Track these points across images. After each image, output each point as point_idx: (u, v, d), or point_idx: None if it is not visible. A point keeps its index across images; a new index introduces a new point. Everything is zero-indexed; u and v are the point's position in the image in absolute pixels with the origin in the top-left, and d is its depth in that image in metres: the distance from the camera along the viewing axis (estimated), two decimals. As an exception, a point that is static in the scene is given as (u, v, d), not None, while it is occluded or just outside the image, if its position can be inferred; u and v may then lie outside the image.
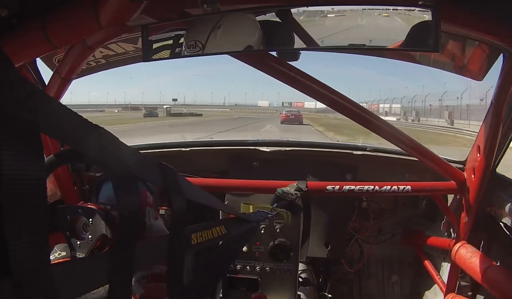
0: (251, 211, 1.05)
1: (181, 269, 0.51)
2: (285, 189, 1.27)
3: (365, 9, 0.95)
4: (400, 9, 0.94)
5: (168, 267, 0.50)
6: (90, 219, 0.75)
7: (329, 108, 1.34)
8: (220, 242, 0.65)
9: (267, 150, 1.81)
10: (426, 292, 1.87)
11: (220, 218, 1.19)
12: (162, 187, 0.50)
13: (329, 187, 1.54)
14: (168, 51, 1.07)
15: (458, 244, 1.53)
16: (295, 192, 1.27)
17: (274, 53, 1.17)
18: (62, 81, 1.30)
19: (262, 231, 1.27)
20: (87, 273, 0.38)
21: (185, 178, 0.55)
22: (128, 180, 0.42)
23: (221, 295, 1.25)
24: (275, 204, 1.15)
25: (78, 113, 0.38)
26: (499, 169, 1.49)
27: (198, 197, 0.59)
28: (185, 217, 0.51)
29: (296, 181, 1.40)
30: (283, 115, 22.39)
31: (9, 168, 0.28)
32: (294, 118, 21.48)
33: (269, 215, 1.01)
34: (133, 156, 0.44)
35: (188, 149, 1.84)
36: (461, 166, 1.59)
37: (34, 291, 0.30)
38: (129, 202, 0.41)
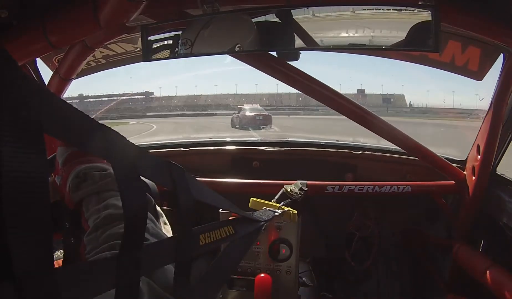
0: (260, 207, 1.05)
1: (188, 271, 0.50)
2: (292, 187, 1.27)
3: (365, 9, 0.95)
4: (400, 9, 0.94)
5: (176, 269, 0.50)
6: None
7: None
8: (226, 243, 0.63)
9: (267, 149, 1.81)
10: (426, 292, 1.87)
11: (220, 218, 1.19)
12: (170, 187, 0.49)
13: (329, 187, 1.54)
14: (168, 51, 1.07)
15: (458, 244, 1.53)
16: (300, 191, 1.26)
17: (274, 53, 1.17)
18: (62, 81, 1.30)
19: (263, 231, 1.26)
20: (92, 277, 0.37)
21: (194, 178, 0.54)
22: (134, 179, 0.41)
23: (221, 296, 1.25)
24: (282, 203, 1.15)
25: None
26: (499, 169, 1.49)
27: (206, 197, 0.58)
28: (192, 217, 0.51)
29: (297, 181, 1.40)
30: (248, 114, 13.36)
31: (12, 169, 0.27)
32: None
33: (276, 214, 1.00)
34: (140, 155, 0.44)
35: (188, 149, 1.84)
36: (461, 165, 1.59)
37: (38, 295, 0.29)
38: (135, 202, 0.40)
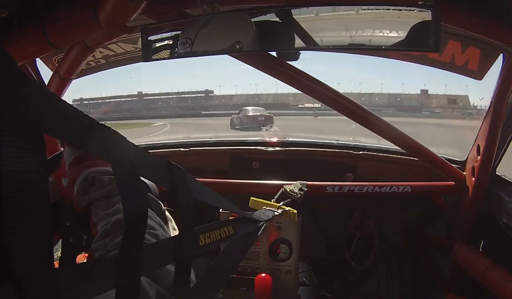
0: (260, 206, 1.05)
1: (188, 272, 0.50)
2: (291, 187, 1.27)
3: (365, 9, 0.95)
4: (400, 9, 0.94)
5: (176, 270, 0.49)
6: None
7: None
8: (226, 243, 0.64)
9: (267, 150, 1.81)
10: (426, 292, 1.87)
11: (220, 218, 1.19)
12: (170, 187, 0.49)
13: (329, 187, 1.54)
14: (168, 51, 1.07)
15: (458, 244, 1.53)
16: (299, 191, 1.26)
17: (273, 53, 1.17)
18: (62, 81, 1.30)
19: (263, 231, 1.26)
20: (92, 278, 0.37)
21: (193, 178, 0.54)
22: (134, 179, 0.41)
23: (221, 296, 1.25)
24: (282, 202, 1.15)
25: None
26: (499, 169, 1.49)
27: (207, 197, 0.58)
28: (192, 217, 0.51)
29: (297, 181, 1.40)
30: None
31: (12, 169, 0.27)
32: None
33: (276, 213, 1.00)
34: (139, 155, 0.44)
35: (188, 149, 1.84)
36: (460, 166, 1.59)
37: (38, 295, 0.29)
38: (135, 202, 0.40)
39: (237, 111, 14.64)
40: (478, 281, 1.33)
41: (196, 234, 0.53)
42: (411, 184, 1.56)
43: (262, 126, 13.23)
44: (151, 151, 1.82)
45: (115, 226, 0.57)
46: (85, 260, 0.77)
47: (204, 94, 22.58)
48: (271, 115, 14.63)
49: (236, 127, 13.48)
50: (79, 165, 0.68)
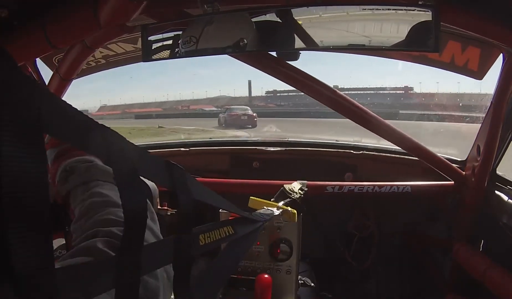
0: (260, 206, 1.05)
1: (189, 271, 0.50)
2: (291, 187, 1.27)
3: (365, 9, 0.95)
4: (400, 9, 0.94)
5: (176, 269, 0.49)
6: None
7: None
8: (225, 243, 0.64)
9: (267, 149, 1.81)
10: (426, 292, 1.87)
11: (220, 218, 1.19)
12: (170, 187, 0.49)
13: (329, 187, 1.54)
14: (168, 51, 1.07)
15: (458, 244, 1.53)
16: (299, 191, 1.26)
17: (273, 53, 1.17)
18: (62, 81, 1.30)
19: (263, 231, 1.26)
20: (92, 278, 0.37)
21: (193, 178, 0.54)
22: (134, 179, 0.41)
23: (221, 296, 1.25)
24: (282, 202, 1.15)
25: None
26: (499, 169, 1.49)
27: (206, 197, 0.58)
28: (192, 217, 0.51)
29: (297, 181, 1.40)
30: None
31: (11, 169, 0.27)
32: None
33: (275, 213, 1.00)
34: (139, 155, 0.44)
35: (188, 149, 1.84)
36: (461, 166, 1.59)
37: (38, 295, 0.29)
38: (135, 202, 0.40)
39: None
40: (478, 281, 1.33)
41: (196, 233, 0.53)
42: (411, 184, 1.56)
43: (247, 126, 13.04)
44: (151, 150, 1.82)
45: (89, 208, 0.57)
46: (63, 243, 0.77)
47: (403, 91, 19.94)
48: (254, 114, 14.28)
49: (222, 125, 13.67)
50: (60, 158, 0.68)
